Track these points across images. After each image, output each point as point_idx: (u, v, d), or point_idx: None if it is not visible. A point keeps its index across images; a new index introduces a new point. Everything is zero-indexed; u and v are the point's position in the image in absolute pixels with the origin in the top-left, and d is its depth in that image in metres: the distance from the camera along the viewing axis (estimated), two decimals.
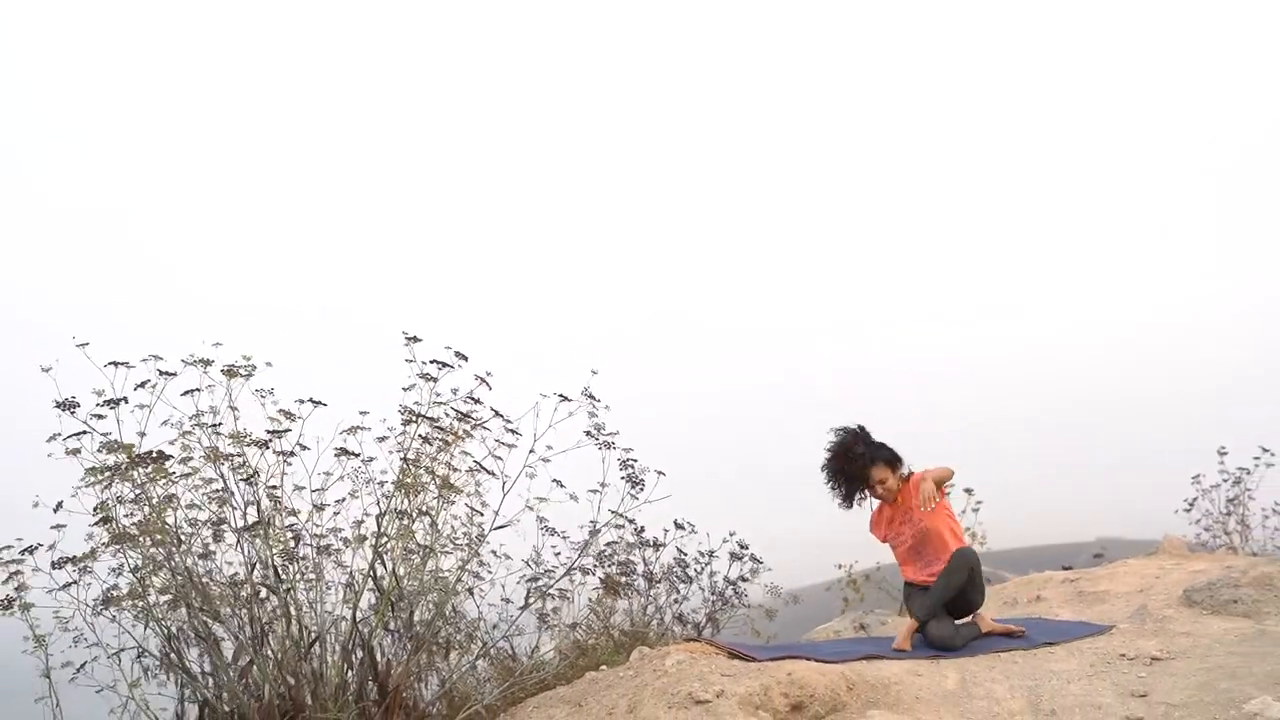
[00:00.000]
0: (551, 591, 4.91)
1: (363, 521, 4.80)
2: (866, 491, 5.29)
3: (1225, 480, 8.83)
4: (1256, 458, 8.75)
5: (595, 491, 4.83)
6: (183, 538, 4.37)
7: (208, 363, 4.53)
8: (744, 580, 6.49)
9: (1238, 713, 3.67)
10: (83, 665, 4.41)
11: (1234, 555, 7.20)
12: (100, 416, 4.29)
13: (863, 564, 9.01)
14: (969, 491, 8.20)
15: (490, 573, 4.88)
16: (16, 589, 4.18)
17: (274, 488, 4.59)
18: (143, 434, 4.29)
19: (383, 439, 4.79)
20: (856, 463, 5.24)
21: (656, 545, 6.14)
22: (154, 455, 4.12)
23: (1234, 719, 3.64)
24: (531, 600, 4.85)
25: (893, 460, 5.24)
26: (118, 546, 4.14)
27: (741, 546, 6.44)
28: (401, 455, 4.67)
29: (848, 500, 5.32)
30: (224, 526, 4.48)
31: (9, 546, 4.36)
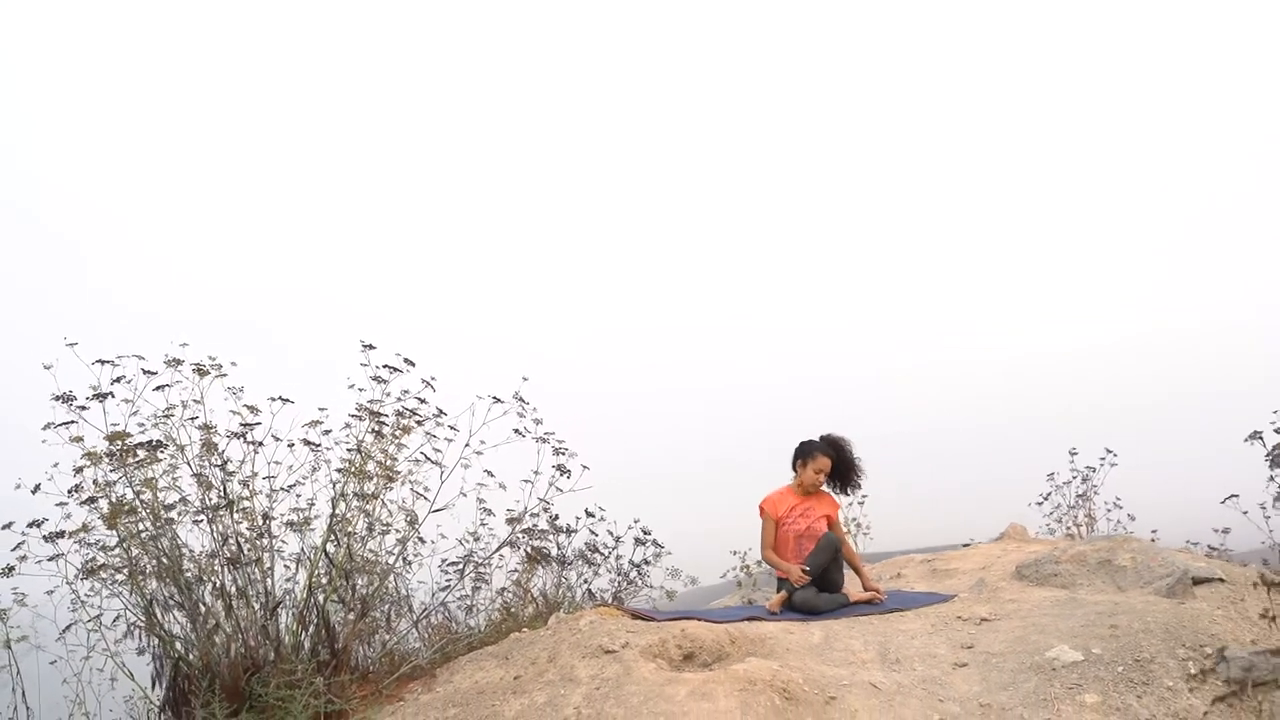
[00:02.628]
0: (485, 561, 5.68)
1: (314, 503, 5.50)
2: (800, 467, 6.40)
3: (1075, 477, 9.91)
4: (1102, 458, 9.84)
5: (528, 481, 5.62)
6: (161, 515, 5.02)
7: (178, 362, 5.20)
8: (647, 563, 7.30)
9: (1040, 658, 4.60)
10: (68, 626, 5.03)
11: (1066, 541, 8.21)
12: (84, 408, 4.95)
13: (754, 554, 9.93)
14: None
15: (432, 548, 5.61)
16: (20, 558, 4.80)
17: (231, 474, 5.27)
18: (116, 425, 4.96)
19: (327, 432, 5.50)
20: (812, 447, 6.38)
21: (569, 531, 6.92)
22: (152, 444, 4.76)
23: (1037, 663, 4.57)
24: (467, 571, 5.61)
25: (842, 474, 6.45)
26: (111, 521, 4.78)
27: (645, 532, 7.25)
28: (350, 446, 5.40)
29: (793, 463, 6.49)
30: (196, 506, 5.14)
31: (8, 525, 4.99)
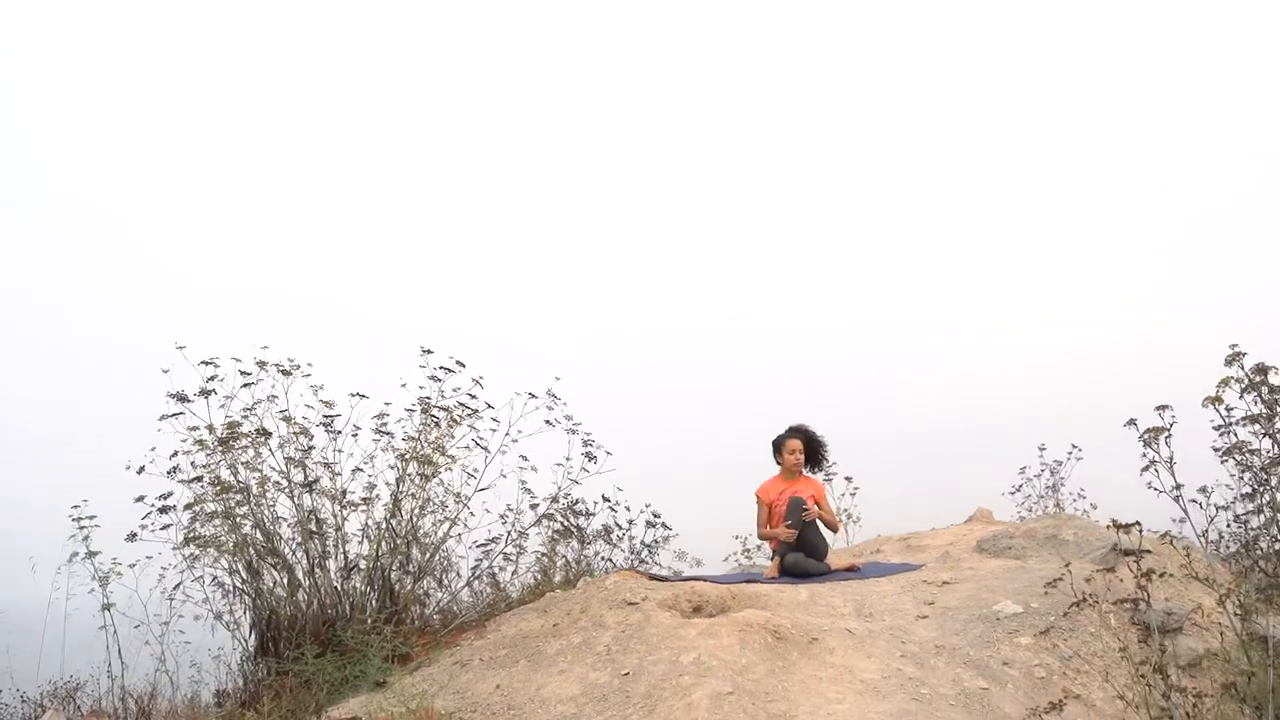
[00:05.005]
0: (523, 533, 6.69)
1: (374, 486, 6.48)
2: (779, 457, 7.48)
3: (1044, 470, 10.94)
4: (1069, 453, 10.86)
5: (559, 465, 6.63)
6: (255, 491, 6.02)
7: (264, 364, 6.20)
8: (656, 544, 8.30)
9: (988, 610, 5.59)
10: (178, 585, 6.02)
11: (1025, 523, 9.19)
12: (188, 400, 5.95)
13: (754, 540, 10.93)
14: (849, 479, 10.10)
15: (478, 522, 6.61)
16: (141, 526, 5.80)
17: (310, 457, 6.26)
18: (230, 416, 5.96)
19: (381, 425, 6.49)
20: (781, 436, 7.50)
21: (589, 513, 7.90)
22: (260, 431, 5.76)
23: (984, 614, 5.55)
24: (509, 539, 6.62)
25: (812, 451, 7.54)
26: (218, 496, 5.77)
27: (655, 516, 8.24)
28: (408, 435, 6.41)
29: (775, 455, 7.57)
30: (285, 484, 6.13)
31: (79, 504, 5.99)
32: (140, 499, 5.89)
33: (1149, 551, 6.56)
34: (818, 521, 7.16)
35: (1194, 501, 4.47)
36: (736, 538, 10.80)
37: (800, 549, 7.02)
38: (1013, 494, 11.06)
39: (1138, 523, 4.37)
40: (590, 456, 6.87)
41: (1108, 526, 7.19)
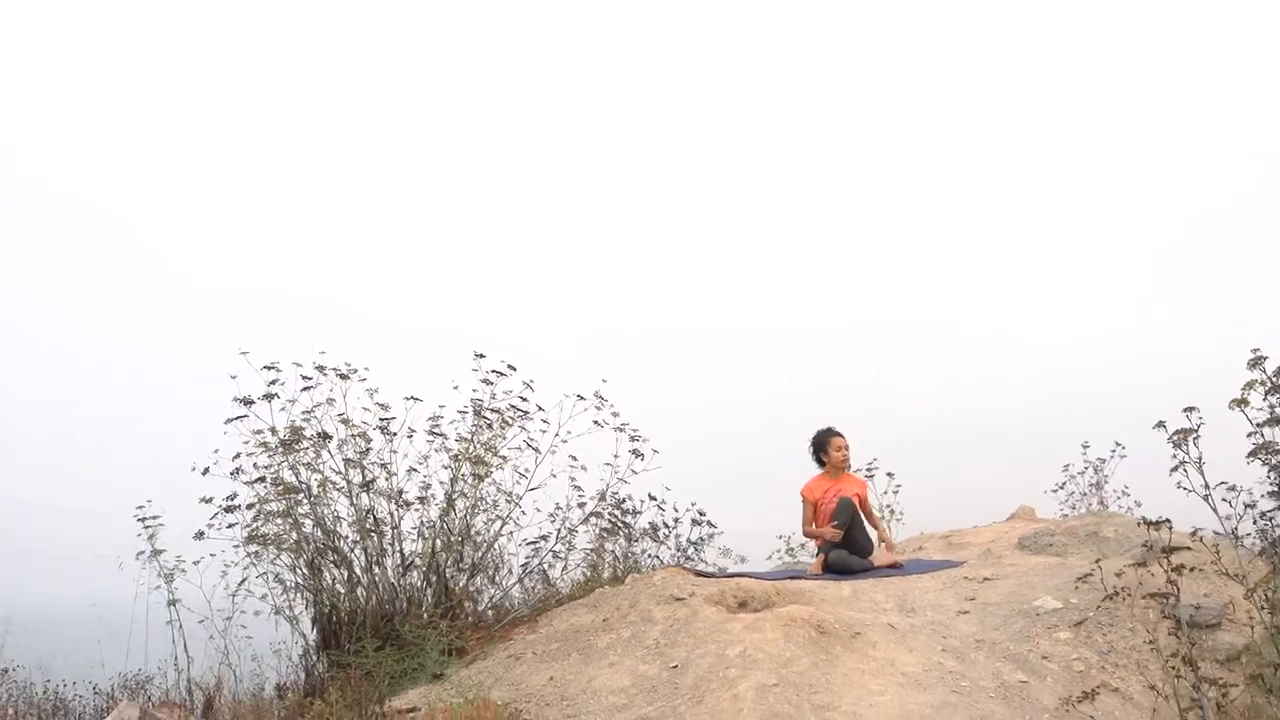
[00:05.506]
0: (573, 529, 6.90)
1: (429, 486, 6.70)
2: (825, 456, 7.58)
3: (1087, 468, 10.97)
4: (1113, 450, 10.88)
5: (608, 464, 6.83)
6: (316, 491, 6.26)
7: (323, 369, 6.44)
8: (702, 541, 8.46)
9: (1028, 606, 5.71)
10: (242, 581, 6.27)
11: (1066, 520, 9.26)
12: (249, 401, 6.20)
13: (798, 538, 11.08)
14: (890, 475, 10.21)
15: (529, 520, 6.83)
16: (208, 524, 6.06)
17: (365, 457, 6.50)
18: (291, 420, 6.21)
19: (434, 426, 6.71)
20: (823, 434, 7.63)
21: (636, 512, 8.08)
22: (321, 434, 6.00)
23: (1024, 609, 5.67)
24: (560, 536, 6.83)
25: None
26: (280, 496, 6.02)
27: (701, 514, 8.41)
28: (461, 436, 6.62)
29: (816, 456, 7.69)
30: (344, 485, 6.37)
31: (144, 504, 6.25)
32: (207, 499, 6.16)
33: (1188, 548, 6.65)
34: (863, 519, 7.30)
35: (1224, 500, 4.57)
36: (780, 537, 10.98)
37: (845, 546, 7.15)
38: (1056, 492, 11.10)
39: (1168, 520, 4.48)
40: (637, 454, 7.05)
41: (1139, 524, 7.28)
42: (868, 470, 9.50)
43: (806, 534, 7.61)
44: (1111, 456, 10.81)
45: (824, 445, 7.60)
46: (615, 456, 6.96)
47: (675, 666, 5.05)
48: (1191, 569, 4.87)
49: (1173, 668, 4.23)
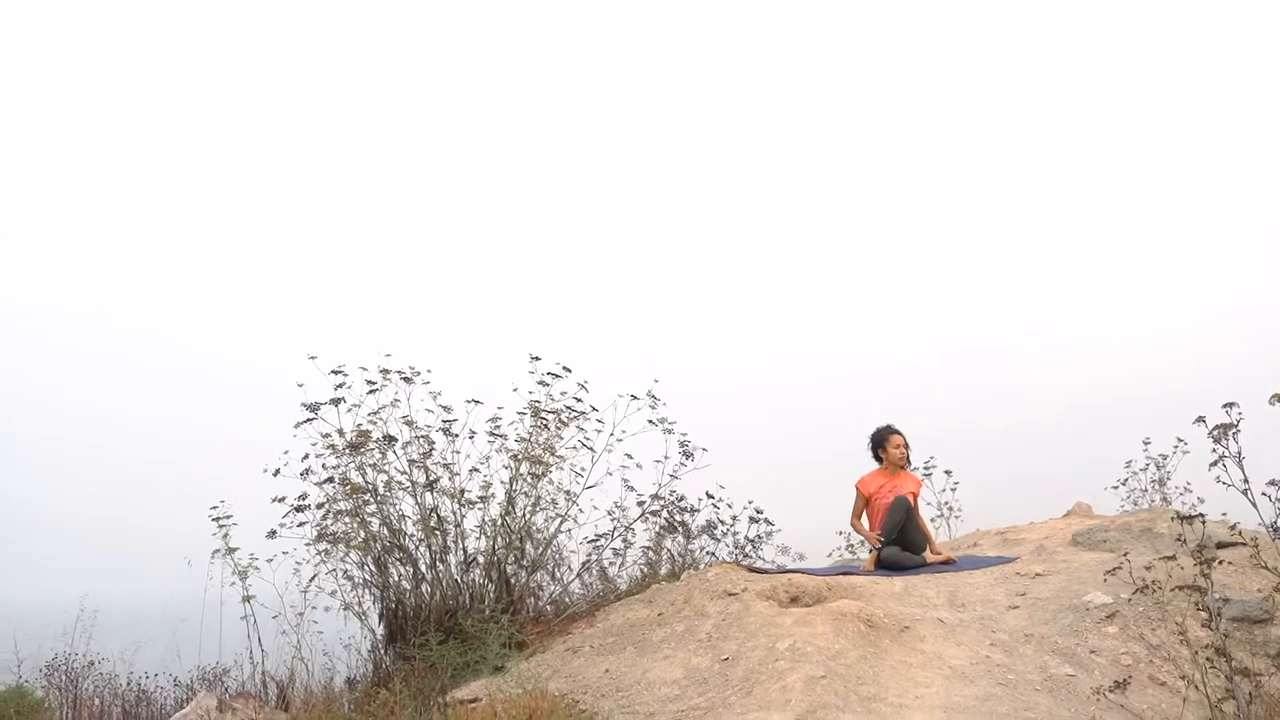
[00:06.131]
0: (629, 527, 7.08)
1: (489, 485, 6.92)
2: (883, 453, 7.70)
3: (1149, 464, 10.88)
4: (1175, 446, 10.78)
5: (659, 462, 6.99)
6: (383, 491, 6.51)
7: (387, 372, 6.68)
8: (760, 539, 8.58)
9: (1078, 601, 5.77)
10: (312, 578, 6.54)
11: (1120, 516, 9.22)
12: (319, 405, 6.46)
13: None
14: (948, 473, 10.24)
15: (586, 517, 7.02)
16: (280, 524, 6.33)
17: (428, 458, 6.73)
18: (358, 423, 6.46)
19: (495, 428, 6.92)
20: (882, 431, 7.76)
21: (693, 510, 8.23)
22: (386, 437, 6.25)
23: (1074, 605, 5.74)
24: (617, 533, 7.02)
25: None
26: (348, 496, 6.27)
27: (758, 511, 8.53)
28: (520, 437, 6.83)
29: (874, 452, 7.82)
30: (408, 484, 6.61)
31: (219, 504, 6.53)
32: (279, 499, 6.43)
33: (1242, 544, 6.64)
34: (918, 517, 7.39)
35: (1263, 494, 4.60)
36: (840, 533, 11.05)
37: (898, 543, 7.25)
38: (1117, 489, 11.03)
39: (1202, 515, 4.55)
40: (687, 454, 7.20)
41: (1172, 519, 7.25)
42: (925, 468, 9.55)
43: (853, 526, 7.72)
44: (1174, 452, 10.74)
45: (883, 442, 7.69)
46: (665, 457, 7.11)
47: (726, 659, 5.20)
48: (1227, 563, 4.91)
49: (1206, 659, 4.30)
